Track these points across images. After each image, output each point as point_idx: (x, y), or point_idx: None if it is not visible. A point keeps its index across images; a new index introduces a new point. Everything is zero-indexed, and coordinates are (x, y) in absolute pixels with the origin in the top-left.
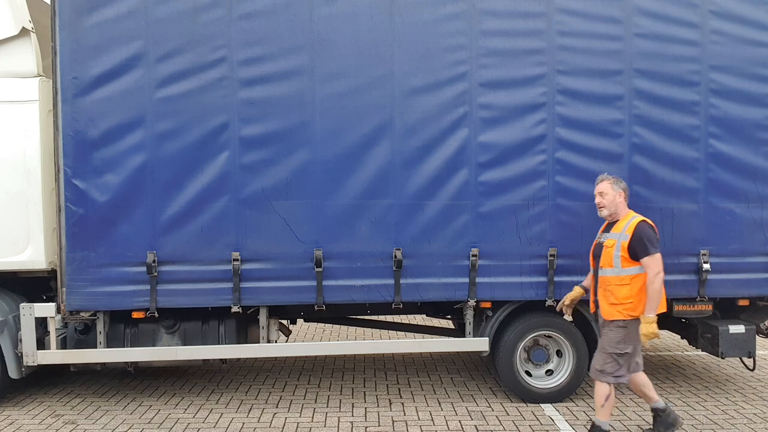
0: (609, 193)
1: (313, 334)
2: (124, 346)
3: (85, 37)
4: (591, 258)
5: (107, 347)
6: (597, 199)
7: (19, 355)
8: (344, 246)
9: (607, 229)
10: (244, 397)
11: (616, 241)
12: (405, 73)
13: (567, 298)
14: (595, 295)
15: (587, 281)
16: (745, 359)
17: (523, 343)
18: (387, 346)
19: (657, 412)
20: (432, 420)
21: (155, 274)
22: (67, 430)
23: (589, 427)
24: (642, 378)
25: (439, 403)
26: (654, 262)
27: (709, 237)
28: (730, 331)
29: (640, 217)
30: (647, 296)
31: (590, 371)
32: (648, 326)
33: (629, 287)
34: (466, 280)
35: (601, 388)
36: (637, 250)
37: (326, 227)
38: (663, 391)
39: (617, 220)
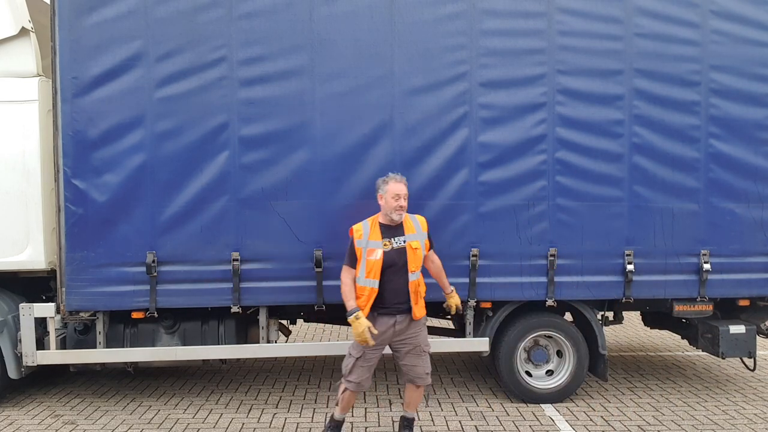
0: (406, 196)
1: (313, 334)
2: (123, 347)
3: (85, 37)
4: (379, 269)
5: (107, 347)
6: (401, 202)
7: (19, 355)
8: (344, 246)
9: (391, 234)
10: (244, 398)
11: (419, 242)
12: (405, 73)
13: (368, 326)
14: (406, 302)
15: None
16: (745, 359)
17: (523, 344)
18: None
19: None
20: (432, 420)
21: (155, 274)
22: (67, 431)
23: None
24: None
25: (439, 403)
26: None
27: (710, 237)
28: (731, 332)
29: (420, 216)
30: (443, 272)
31: (422, 381)
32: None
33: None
34: (466, 280)
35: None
36: (431, 242)
37: (326, 227)
38: (663, 391)
39: (400, 223)
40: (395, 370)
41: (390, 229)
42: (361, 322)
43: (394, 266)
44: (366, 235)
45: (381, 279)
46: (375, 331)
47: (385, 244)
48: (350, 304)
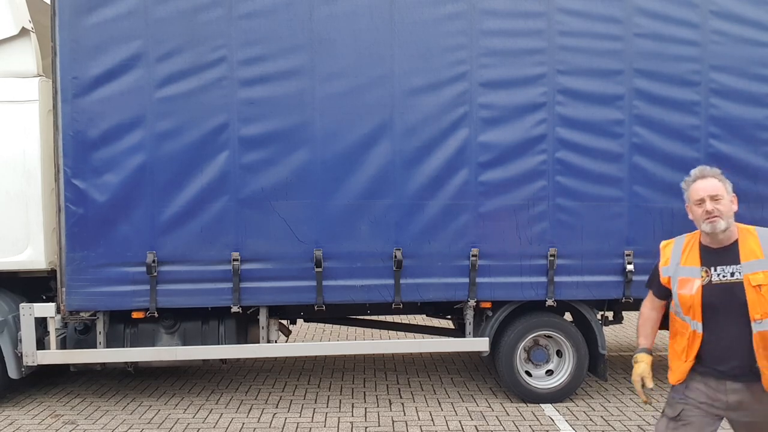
0: (725, 197)
1: (313, 334)
2: (123, 346)
3: (85, 37)
4: (698, 308)
5: (107, 347)
6: (708, 206)
7: (19, 355)
8: (344, 246)
9: (714, 259)
10: (244, 397)
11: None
12: (405, 73)
13: (642, 377)
14: (743, 364)
15: (649, 339)
16: None
17: (523, 343)
18: (387, 346)
19: None
20: (432, 420)
21: (155, 274)
22: (67, 430)
23: None
24: None
25: (439, 403)
26: None
27: None
28: None
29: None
30: None
31: None
32: None
33: None
34: (466, 280)
35: None
36: None
37: (326, 227)
38: (664, 392)
39: (730, 243)
40: (395, 369)
41: (713, 252)
42: (637, 368)
43: (719, 309)
44: (676, 258)
45: (703, 322)
46: (650, 385)
47: (702, 274)
48: (639, 341)
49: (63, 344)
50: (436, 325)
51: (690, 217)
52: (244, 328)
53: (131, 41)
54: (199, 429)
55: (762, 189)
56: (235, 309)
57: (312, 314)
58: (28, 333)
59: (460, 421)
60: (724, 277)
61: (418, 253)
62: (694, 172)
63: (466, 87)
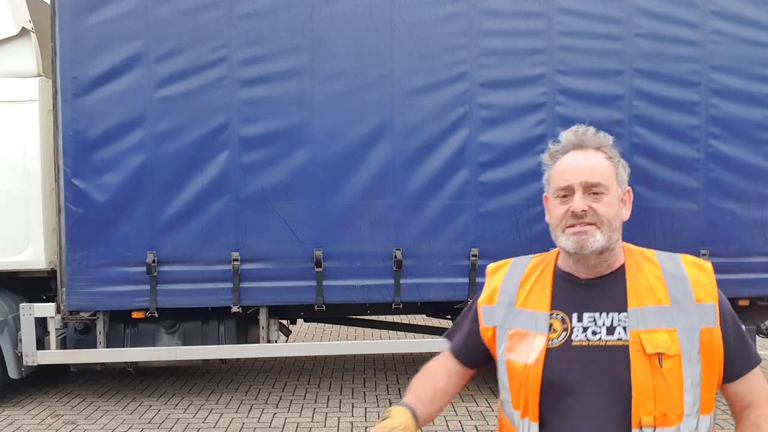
0: (612, 190)
1: (313, 334)
2: (124, 346)
3: (85, 37)
4: (536, 390)
5: (107, 347)
6: (578, 204)
7: (19, 355)
8: (344, 246)
9: (579, 302)
10: (244, 397)
11: (674, 338)
12: (405, 73)
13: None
14: None
15: (420, 399)
16: None
17: None
18: (387, 346)
19: None
20: (432, 420)
21: (155, 274)
22: (67, 430)
23: None
24: None
25: None
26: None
27: (709, 237)
28: None
29: (685, 256)
30: None
31: None
32: None
33: None
34: (466, 280)
35: None
36: (740, 353)
37: (326, 227)
38: None
39: (609, 272)
40: (395, 369)
41: (579, 287)
42: (383, 422)
43: (578, 396)
44: (509, 294)
45: (542, 419)
46: None
47: (553, 327)
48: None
49: (63, 344)
50: (436, 325)
51: (546, 218)
52: (244, 328)
53: (131, 41)
54: (199, 429)
55: (762, 189)
56: (235, 309)
57: (312, 314)
58: (28, 333)
59: (460, 421)
60: (595, 333)
61: (418, 253)
62: (566, 135)
63: (466, 87)
